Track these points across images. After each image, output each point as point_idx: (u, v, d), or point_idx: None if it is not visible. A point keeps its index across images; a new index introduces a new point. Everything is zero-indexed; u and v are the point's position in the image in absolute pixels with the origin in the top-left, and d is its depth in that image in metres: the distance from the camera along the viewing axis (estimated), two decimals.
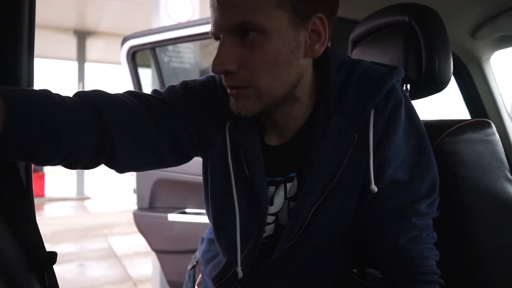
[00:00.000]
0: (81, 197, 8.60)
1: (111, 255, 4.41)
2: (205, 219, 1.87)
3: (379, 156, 0.70)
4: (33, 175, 3.06)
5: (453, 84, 1.80)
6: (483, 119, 0.80)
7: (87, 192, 8.88)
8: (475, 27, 1.49)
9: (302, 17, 0.65)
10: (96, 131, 0.65)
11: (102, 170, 0.76)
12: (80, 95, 0.67)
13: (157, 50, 2.37)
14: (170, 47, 3.20)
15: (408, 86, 0.85)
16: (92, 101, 0.66)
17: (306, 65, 0.70)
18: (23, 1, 0.60)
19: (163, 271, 2.22)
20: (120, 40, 2.26)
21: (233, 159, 0.76)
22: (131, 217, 2.23)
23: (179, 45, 3.22)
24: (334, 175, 0.70)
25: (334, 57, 0.74)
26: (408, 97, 0.74)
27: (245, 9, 0.62)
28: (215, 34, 0.67)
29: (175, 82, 0.82)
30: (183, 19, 3.79)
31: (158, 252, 2.20)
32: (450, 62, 0.83)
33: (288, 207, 0.76)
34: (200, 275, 0.98)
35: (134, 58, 2.24)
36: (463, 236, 0.80)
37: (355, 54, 1.01)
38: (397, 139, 0.70)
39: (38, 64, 11.26)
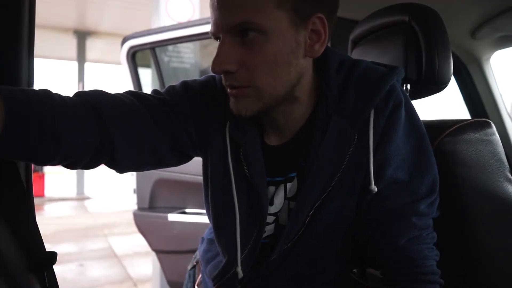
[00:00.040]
0: (81, 197, 8.59)
1: (111, 255, 4.41)
2: (205, 219, 1.87)
3: (379, 156, 0.70)
4: (33, 175, 3.06)
5: (453, 84, 1.80)
6: (483, 119, 0.80)
7: (87, 192, 8.88)
8: (475, 27, 1.49)
9: (302, 17, 0.65)
10: (96, 131, 0.65)
11: (102, 170, 0.76)
12: (80, 95, 0.67)
13: (157, 50, 2.37)
14: (170, 47, 3.20)
15: (408, 86, 0.85)
16: (92, 101, 0.66)
17: (306, 65, 0.70)
18: (23, 1, 0.60)
19: (163, 271, 2.22)
20: (120, 40, 2.26)
21: (233, 159, 0.76)
22: (131, 217, 2.23)
23: (179, 45, 3.22)
24: (334, 175, 0.70)
25: (334, 57, 0.74)
26: (408, 97, 0.74)
27: (245, 9, 0.62)
28: (215, 34, 0.67)
29: (175, 82, 0.82)
30: (183, 19, 3.79)
31: (158, 252, 2.20)
32: (450, 62, 0.83)
33: (288, 207, 0.76)
34: (200, 275, 0.98)
35: (134, 58, 2.24)
36: (463, 236, 0.80)
37: (355, 54, 1.01)
38: (397, 139, 0.70)
39: (38, 64, 11.27)
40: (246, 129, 0.75)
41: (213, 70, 0.66)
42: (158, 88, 1.57)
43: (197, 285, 0.98)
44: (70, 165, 0.66)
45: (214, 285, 0.82)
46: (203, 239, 0.98)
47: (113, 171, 0.75)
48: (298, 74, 0.69)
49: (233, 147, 0.76)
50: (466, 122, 0.79)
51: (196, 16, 4.08)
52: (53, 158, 0.62)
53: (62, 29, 8.57)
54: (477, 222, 0.79)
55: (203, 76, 0.83)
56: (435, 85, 0.84)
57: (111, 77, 13.29)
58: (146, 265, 3.84)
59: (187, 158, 0.82)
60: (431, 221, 0.73)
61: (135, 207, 2.21)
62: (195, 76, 3.36)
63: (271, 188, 0.77)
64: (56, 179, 10.70)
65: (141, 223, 2.16)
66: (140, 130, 0.70)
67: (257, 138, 0.76)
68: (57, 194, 8.80)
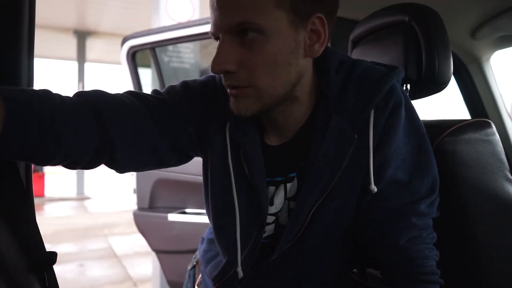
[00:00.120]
0: (81, 197, 8.59)
1: (111, 255, 4.41)
2: (205, 219, 1.87)
3: (379, 156, 0.70)
4: (33, 175, 3.06)
5: (453, 84, 1.80)
6: (483, 119, 0.80)
7: (87, 192, 8.88)
8: (475, 27, 1.49)
9: (302, 17, 0.65)
10: (96, 131, 0.65)
11: (102, 170, 0.76)
12: (80, 95, 0.67)
13: (157, 50, 2.37)
14: (170, 47, 3.20)
15: (408, 86, 0.85)
16: (92, 101, 0.66)
17: (305, 65, 0.70)
18: (23, 1, 0.60)
19: (163, 271, 2.22)
20: (120, 40, 2.26)
21: (233, 159, 0.76)
22: (131, 217, 2.23)
23: (179, 45, 3.22)
24: (334, 175, 0.70)
25: (334, 57, 0.74)
26: (408, 97, 0.74)
27: (245, 9, 0.62)
28: (214, 34, 0.67)
29: (175, 82, 0.82)
30: (183, 19, 3.79)
31: (158, 252, 2.20)
32: (450, 62, 0.83)
33: (288, 207, 0.76)
34: (200, 275, 0.98)
35: (134, 58, 2.24)
36: (463, 236, 0.80)
37: (355, 54, 1.01)
38: (397, 139, 0.70)
39: (38, 64, 11.26)
40: (246, 129, 0.75)
41: (212, 70, 0.66)
42: (158, 88, 1.57)
43: (197, 285, 0.98)
44: (70, 165, 0.66)
45: (214, 285, 0.82)
46: (203, 239, 0.98)
47: (113, 171, 0.75)
48: (298, 74, 0.69)
49: (233, 147, 0.76)
50: (466, 122, 0.79)
51: (196, 16, 4.08)
52: (53, 158, 0.62)
53: (62, 29, 8.57)
54: (477, 222, 0.79)
55: (203, 76, 0.83)
56: (435, 85, 0.84)
57: (111, 77, 13.29)
58: (146, 265, 3.84)
59: (187, 158, 0.82)
60: (431, 221, 0.73)
61: (135, 207, 2.21)
62: (195, 76, 3.36)
63: (271, 188, 0.77)
64: (56, 179, 10.70)
65: (141, 223, 2.16)
66: (140, 130, 0.70)
67: (257, 138, 0.76)
68: (57, 194, 8.80)
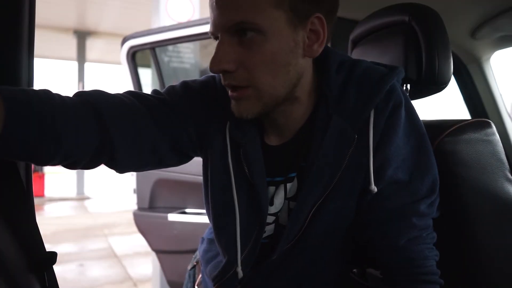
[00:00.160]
0: (81, 197, 8.59)
1: (111, 255, 4.41)
2: (205, 219, 1.87)
3: (379, 156, 0.70)
4: (33, 175, 3.06)
5: (453, 84, 1.80)
6: (483, 119, 0.80)
7: (87, 192, 8.88)
8: (475, 27, 1.49)
9: (300, 17, 0.65)
10: (96, 131, 0.65)
11: (102, 170, 0.76)
12: (80, 95, 0.67)
13: (157, 50, 2.37)
14: (170, 47, 3.20)
15: (408, 86, 0.85)
16: (92, 101, 0.66)
17: (305, 65, 0.70)
18: (23, 1, 0.60)
19: (163, 271, 2.22)
20: (120, 40, 2.26)
21: (233, 159, 0.76)
22: (131, 217, 2.23)
23: (179, 45, 3.22)
24: (334, 175, 0.70)
25: (334, 57, 0.74)
26: (408, 97, 0.74)
27: (244, 9, 0.62)
28: (213, 34, 0.67)
29: (175, 82, 0.82)
30: (183, 19, 3.79)
31: (158, 252, 2.20)
32: (450, 62, 0.83)
33: (288, 207, 0.76)
34: (200, 275, 0.98)
35: (134, 58, 2.24)
36: (463, 236, 0.80)
37: (355, 54, 1.01)
38: (397, 139, 0.70)
39: (38, 64, 11.26)
40: (246, 129, 0.75)
41: (211, 70, 0.66)
42: (158, 88, 1.57)
43: (197, 285, 0.98)
44: (70, 165, 0.66)
45: (214, 285, 0.82)
46: (203, 239, 0.98)
47: (113, 171, 0.75)
48: (297, 74, 0.69)
49: (233, 147, 0.76)
50: (466, 122, 0.79)
51: (196, 16, 4.08)
52: (53, 158, 0.62)
53: (62, 29, 8.57)
54: (477, 222, 0.79)
55: (203, 76, 0.83)
56: (435, 85, 0.84)
57: (111, 77, 13.29)
58: (146, 265, 3.84)
59: (187, 158, 0.82)
60: (431, 221, 0.73)
61: (135, 207, 2.21)
62: (195, 76, 3.36)
63: (271, 188, 0.77)
64: (56, 179, 10.70)
65: (141, 223, 2.16)
66: (140, 130, 0.70)
67: (257, 138, 0.76)
68: (57, 194, 8.80)
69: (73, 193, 8.80)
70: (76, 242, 5.00)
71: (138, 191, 2.20)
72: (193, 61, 3.43)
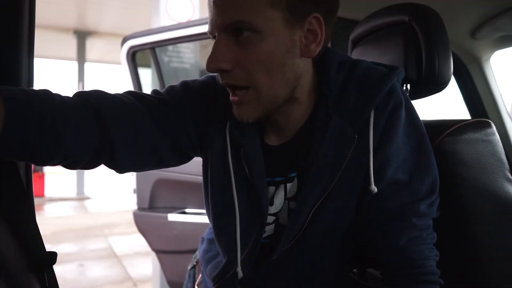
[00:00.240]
0: (81, 197, 8.59)
1: (111, 255, 4.41)
2: (205, 219, 1.87)
3: (379, 156, 0.70)
4: (33, 175, 3.06)
5: (453, 84, 1.80)
6: (483, 119, 0.80)
7: (87, 192, 8.88)
8: (475, 27, 1.49)
9: (298, 16, 0.65)
10: (96, 131, 0.65)
11: (102, 170, 0.76)
12: (80, 95, 0.67)
13: (157, 50, 2.37)
14: (170, 47, 3.20)
15: (408, 86, 0.85)
16: (92, 101, 0.66)
17: (303, 65, 0.70)
18: (23, 1, 0.60)
19: (163, 271, 2.22)
20: (120, 40, 2.26)
21: (233, 159, 0.76)
22: (131, 217, 2.23)
23: (179, 45, 3.22)
24: (334, 176, 0.70)
25: (334, 57, 0.74)
26: (408, 97, 0.74)
27: (240, 8, 0.62)
28: (211, 33, 0.68)
29: (175, 82, 0.82)
30: (183, 19, 3.79)
31: (158, 252, 2.20)
32: (450, 62, 0.83)
33: (288, 207, 0.76)
34: (200, 275, 0.98)
35: (134, 58, 2.24)
36: (463, 236, 0.80)
37: (355, 54, 1.01)
38: (397, 140, 0.70)
39: (38, 64, 11.26)
40: (246, 129, 0.75)
41: (207, 68, 0.66)
42: (158, 88, 1.57)
43: (197, 285, 0.98)
44: (70, 165, 0.66)
45: (214, 285, 0.82)
46: (203, 239, 0.98)
47: (113, 171, 0.75)
48: (295, 74, 0.69)
49: (233, 147, 0.76)
50: (466, 122, 0.79)
51: (196, 16, 4.08)
52: (53, 158, 0.62)
53: (62, 29, 8.57)
54: (477, 222, 0.79)
55: (203, 76, 0.83)
56: (435, 85, 0.84)
57: (111, 77, 13.29)
58: (146, 265, 3.84)
59: (187, 158, 0.82)
60: (431, 221, 0.73)
61: (135, 207, 2.21)
62: (195, 76, 3.36)
63: (271, 188, 0.77)
64: (56, 179, 10.70)
65: (141, 223, 2.16)
66: (140, 130, 0.70)
67: (257, 138, 0.76)
68: (57, 194, 8.80)
69: (73, 193, 8.80)
70: (76, 242, 5.00)
71: (138, 191, 2.20)
72: (193, 61, 3.43)
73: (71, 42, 9.07)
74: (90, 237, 5.24)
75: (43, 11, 7.04)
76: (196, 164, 0.84)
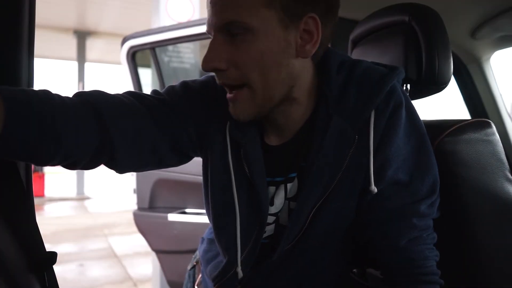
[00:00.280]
0: (81, 197, 8.59)
1: (111, 255, 4.41)
2: (205, 219, 1.86)
3: (380, 156, 0.70)
4: (33, 175, 3.06)
5: (453, 84, 1.80)
6: (483, 119, 0.80)
7: (87, 192, 8.88)
8: (475, 27, 1.49)
9: (293, 16, 0.65)
10: (96, 131, 0.65)
11: (102, 170, 0.76)
12: (80, 95, 0.67)
13: (157, 50, 2.37)
14: (170, 47, 3.19)
15: (408, 86, 0.85)
16: (92, 101, 0.66)
17: (299, 66, 0.69)
18: (23, 1, 0.60)
19: (163, 271, 2.22)
20: (120, 40, 2.26)
21: (233, 159, 0.76)
22: (131, 217, 2.23)
23: (179, 45, 3.22)
24: (335, 176, 0.70)
25: (335, 57, 0.74)
26: (409, 97, 0.74)
27: (234, 8, 0.63)
28: (209, 33, 0.68)
29: (175, 82, 0.82)
30: (183, 19, 3.79)
31: (158, 252, 2.20)
32: (450, 62, 0.83)
33: (288, 207, 0.76)
34: (200, 275, 0.98)
35: (134, 58, 2.24)
36: (463, 236, 0.80)
37: (355, 54, 1.01)
38: (397, 140, 0.70)
39: (38, 64, 11.26)
40: (246, 129, 0.75)
41: (203, 68, 0.67)
42: (158, 88, 1.57)
43: (196, 285, 0.98)
44: (70, 165, 0.66)
45: (214, 285, 0.82)
46: (203, 239, 0.98)
47: (113, 171, 0.75)
48: (290, 74, 0.68)
49: (233, 147, 0.76)
50: (466, 122, 0.79)
51: (196, 16, 4.07)
52: (53, 158, 0.62)
53: (62, 29, 8.56)
54: (477, 222, 0.79)
55: (203, 76, 0.83)
56: (435, 85, 0.84)
57: (111, 77, 13.29)
58: (146, 265, 3.84)
59: (187, 158, 0.82)
60: (432, 221, 0.73)
61: (135, 207, 2.21)
62: (195, 76, 3.36)
63: (271, 188, 0.77)
64: (56, 179, 10.70)
65: (141, 223, 2.16)
66: (140, 130, 0.70)
67: (257, 138, 0.76)
68: (57, 194, 8.80)
69: (73, 193, 8.80)
70: (76, 242, 5.00)
71: (138, 191, 2.20)
72: (193, 61, 3.43)
73: (71, 42, 9.07)
74: (90, 237, 5.24)
75: (43, 11, 7.04)
76: (196, 164, 0.84)
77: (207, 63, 0.66)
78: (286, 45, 0.66)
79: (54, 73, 13.12)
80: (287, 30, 0.65)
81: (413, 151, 0.71)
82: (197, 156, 0.82)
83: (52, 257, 0.58)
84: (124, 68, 2.27)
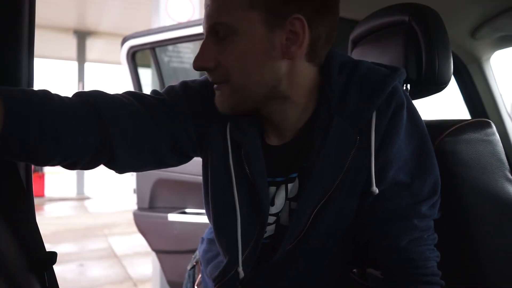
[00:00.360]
0: (81, 197, 8.59)
1: (111, 255, 4.41)
2: (205, 219, 1.86)
3: (381, 157, 0.70)
4: (33, 175, 3.06)
5: (453, 84, 1.80)
6: (483, 119, 0.80)
7: (87, 192, 8.88)
8: (475, 27, 1.49)
9: (277, 17, 0.65)
10: (96, 131, 0.65)
11: (102, 170, 0.77)
12: (79, 95, 0.67)
13: (157, 50, 2.37)
14: (170, 47, 3.19)
15: (408, 86, 0.85)
16: (91, 101, 0.66)
17: (286, 67, 0.68)
18: (23, 1, 0.60)
19: (163, 271, 2.22)
20: (120, 40, 2.26)
21: (234, 159, 0.76)
22: (131, 217, 2.23)
23: (179, 45, 3.22)
24: (336, 177, 0.70)
25: (336, 58, 0.74)
26: (410, 98, 0.74)
27: (220, 10, 0.65)
28: (204, 34, 0.70)
29: (175, 82, 0.82)
30: (183, 19, 3.79)
31: (158, 252, 2.20)
32: (450, 62, 0.83)
33: (289, 207, 0.76)
34: (199, 275, 0.97)
35: (134, 58, 2.24)
36: (463, 236, 0.80)
37: (355, 54, 1.01)
38: (399, 141, 0.70)
39: (38, 64, 11.26)
40: (246, 129, 0.75)
41: (193, 67, 0.69)
42: (158, 88, 1.57)
43: (196, 285, 0.98)
44: (70, 166, 0.66)
45: (214, 286, 0.82)
46: (203, 239, 0.98)
47: (113, 171, 0.75)
48: (275, 75, 0.68)
49: (233, 147, 0.76)
50: (466, 122, 0.79)
51: (196, 16, 4.07)
52: (53, 158, 0.62)
53: (62, 29, 8.56)
54: (477, 222, 0.79)
55: (203, 76, 0.83)
56: (435, 85, 0.84)
57: (111, 77, 13.29)
58: (146, 265, 3.84)
59: (187, 158, 0.82)
60: (432, 222, 0.73)
61: (135, 207, 2.21)
62: (195, 76, 3.35)
63: (272, 189, 0.77)
64: (56, 179, 10.70)
65: (141, 223, 2.16)
66: (140, 130, 0.70)
67: (258, 138, 0.76)
68: (57, 194, 8.80)
69: (73, 193, 8.80)
70: (76, 242, 5.00)
71: (138, 191, 2.20)
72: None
73: (71, 42, 9.07)
74: (90, 237, 5.24)
75: (43, 11, 7.04)
76: (196, 164, 0.84)
77: (196, 62, 0.69)
78: (269, 46, 0.66)
79: (54, 73, 13.12)
80: (272, 31, 0.65)
81: (415, 152, 0.71)
82: (197, 156, 0.82)
83: (52, 257, 0.58)
84: (124, 68, 2.27)
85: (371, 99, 0.69)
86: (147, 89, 2.47)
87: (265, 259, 0.78)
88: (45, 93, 0.61)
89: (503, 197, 0.79)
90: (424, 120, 0.75)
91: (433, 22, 0.83)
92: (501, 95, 1.78)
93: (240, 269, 0.77)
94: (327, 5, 0.68)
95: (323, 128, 0.71)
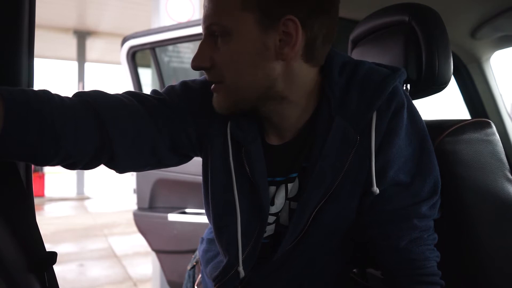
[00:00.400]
0: (81, 197, 8.59)
1: (111, 255, 4.41)
2: (205, 219, 1.86)
3: (381, 158, 0.70)
4: (33, 175, 3.06)
5: (453, 84, 1.80)
6: (483, 119, 0.80)
7: (87, 192, 8.88)
8: (475, 27, 1.49)
9: (270, 18, 0.65)
10: (95, 131, 0.65)
11: (102, 170, 0.77)
12: (79, 95, 0.67)
13: (157, 50, 2.37)
14: (170, 47, 3.19)
15: (408, 86, 0.85)
16: (91, 102, 0.66)
17: (281, 68, 0.68)
18: (23, 1, 0.60)
19: (163, 271, 2.22)
20: (120, 40, 2.26)
21: (234, 159, 0.76)
22: (131, 217, 2.23)
23: (179, 45, 3.22)
24: (336, 177, 0.70)
25: (337, 58, 0.74)
26: (411, 98, 0.74)
27: (215, 11, 0.66)
28: (202, 34, 0.71)
29: (175, 82, 0.82)
30: (183, 19, 3.79)
31: (158, 252, 2.20)
32: (450, 62, 0.83)
33: (289, 207, 0.76)
34: (199, 275, 0.98)
35: (134, 58, 2.24)
36: (463, 237, 0.80)
37: (355, 54, 1.01)
38: (399, 141, 0.70)
39: (38, 64, 11.26)
40: (247, 129, 0.75)
41: (191, 66, 0.70)
42: (158, 88, 1.57)
43: (196, 285, 0.98)
44: (69, 166, 0.66)
45: (214, 285, 0.82)
46: (203, 239, 0.98)
47: (113, 171, 0.75)
48: (268, 76, 0.68)
49: (234, 147, 0.76)
50: (466, 122, 0.79)
51: (196, 16, 4.07)
52: (53, 158, 0.62)
53: (62, 29, 8.57)
54: (477, 222, 0.79)
55: (203, 76, 0.83)
56: (435, 85, 0.84)
57: (111, 77, 13.29)
58: (146, 265, 3.84)
59: (187, 158, 0.82)
60: (432, 222, 0.73)
61: (135, 207, 2.21)
62: (195, 76, 3.35)
63: (272, 188, 0.77)
64: (56, 179, 10.70)
65: (141, 223, 2.16)
66: (139, 131, 0.70)
67: (259, 137, 0.76)
68: (57, 194, 8.80)
69: (73, 193, 8.80)
70: (76, 242, 5.00)
71: (138, 191, 2.20)
72: None
73: (71, 42, 9.07)
74: (90, 237, 5.24)
75: (43, 11, 7.04)
76: (196, 164, 0.84)
77: (193, 62, 0.70)
78: (262, 47, 0.66)
79: (54, 73, 13.13)
80: (265, 32, 0.65)
81: (415, 153, 0.71)
82: (197, 156, 0.82)
83: (52, 257, 0.58)
84: (124, 68, 2.27)
85: (371, 99, 0.69)
86: (147, 89, 2.47)
87: (265, 259, 0.78)
88: (45, 93, 0.61)
89: (503, 197, 0.79)
90: (424, 120, 0.75)
91: (433, 22, 0.83)
92: (501, 95, 1.78)
93: (240, 268, 0.77)
94: (322, 6, 0.67)
95: (323, 128, 0.71)
